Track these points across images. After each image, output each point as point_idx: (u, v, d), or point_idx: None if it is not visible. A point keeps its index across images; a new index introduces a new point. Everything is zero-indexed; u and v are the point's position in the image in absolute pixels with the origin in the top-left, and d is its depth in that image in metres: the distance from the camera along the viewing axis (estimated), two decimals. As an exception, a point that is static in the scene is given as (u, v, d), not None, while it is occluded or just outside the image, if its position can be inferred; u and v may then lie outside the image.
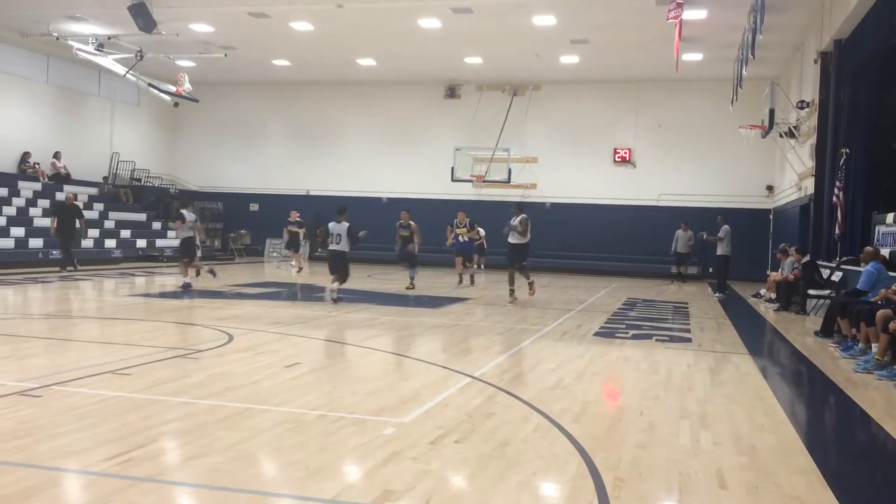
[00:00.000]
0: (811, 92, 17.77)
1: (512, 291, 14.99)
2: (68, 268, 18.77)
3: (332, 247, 13.82)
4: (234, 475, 4.25)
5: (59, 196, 23.60)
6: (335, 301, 13.38)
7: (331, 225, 13.79)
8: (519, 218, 14.98)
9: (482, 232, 21.32)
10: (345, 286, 14.12)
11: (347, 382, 7.15)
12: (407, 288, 16.63)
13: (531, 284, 15.20)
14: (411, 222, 16.72)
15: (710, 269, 21.60)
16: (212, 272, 16.98)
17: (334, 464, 4.54)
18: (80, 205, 21.28)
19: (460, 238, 18.59)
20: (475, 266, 21.36)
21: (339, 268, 13.83)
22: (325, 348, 9.02)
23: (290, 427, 5.29)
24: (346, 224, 13.66)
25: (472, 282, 18.52)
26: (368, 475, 4.33)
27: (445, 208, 26.51)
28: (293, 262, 22.19)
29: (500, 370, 7.67)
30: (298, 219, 22.48)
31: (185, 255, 15.69)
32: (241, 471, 4.33)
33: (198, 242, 16.25)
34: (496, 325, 11.39)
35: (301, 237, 22.57)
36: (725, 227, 18.33)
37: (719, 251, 18.46)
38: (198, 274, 16.80)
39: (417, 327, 10.75)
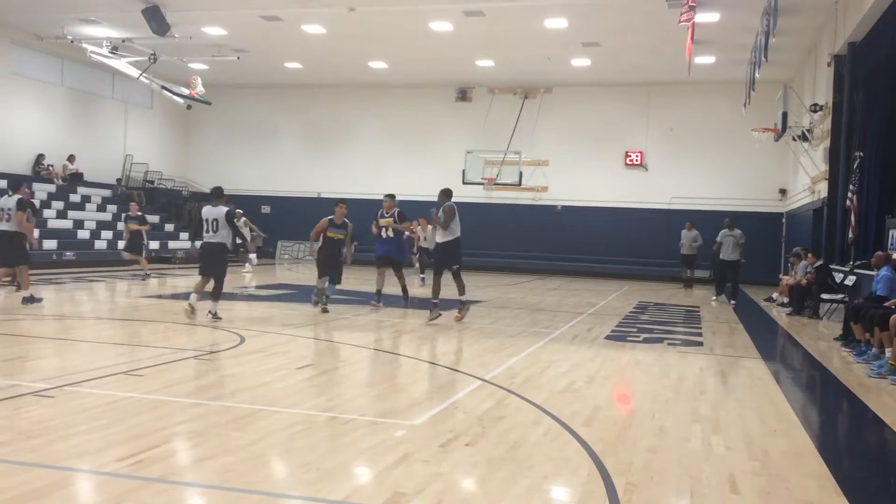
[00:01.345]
0: (825, 95, 17.68)
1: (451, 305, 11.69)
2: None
3: (207, 238, 10.77)
4: (245, 476, 4.26)
5: (75, 198, 23.79)
6: (215, 317, 10.52)
7: (204, 210, 10.82)
8: (443, 207, 11.56)
9: (421, 231, 17.61)
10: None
11: (358, 384, 7.16)
12: (322, 307, 12.15)
13: (463, 307, 11.67)
14: (346, 220, 12.46)
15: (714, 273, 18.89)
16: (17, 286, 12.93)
17: (345, 465, 4.54)
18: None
19: (383, 233, 13.40)
20: (421, 276, 18.03)
21: (214, 268, 10.75)
22: (336, 350, 9.04)
23: (300, 429, 5.30)
24: (224, 209, 10.65)
25: (406, 297, 13.72)
26: (379, 477, 4.33)
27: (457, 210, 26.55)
28: (142, 271, 17.72)
29: (510, 373, 7.66)
30: (139, 213, 18.65)
31: (5, 259, 11.79)
32: (252, 472, 4.35)
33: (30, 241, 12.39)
34: (507, 328, 11.37)
35: (144, 236, 18.49)
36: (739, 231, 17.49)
37: (737, 256, 17.24)
38: (18, 288, 12.84)
39: (428, 330, 10.74)
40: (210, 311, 10.59)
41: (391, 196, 13.74)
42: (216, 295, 10.70)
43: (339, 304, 13.08)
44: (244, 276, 19.88)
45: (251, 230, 22.41)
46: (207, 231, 10.71)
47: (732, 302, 17.03)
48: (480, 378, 7.28)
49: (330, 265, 12.30)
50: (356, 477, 4.42)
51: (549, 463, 4.70)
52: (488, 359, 8.56)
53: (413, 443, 5.01)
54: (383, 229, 13.40)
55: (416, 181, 27.56)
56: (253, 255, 22.27)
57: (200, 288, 10.77)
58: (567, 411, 6.03)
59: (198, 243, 12.40)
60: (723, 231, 17.47)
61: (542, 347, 9.53)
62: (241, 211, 22.06)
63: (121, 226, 24.06)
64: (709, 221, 22.56)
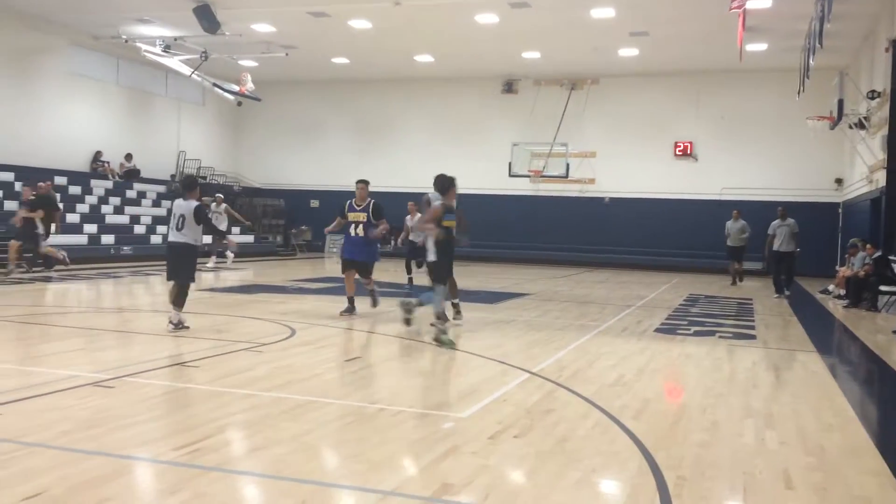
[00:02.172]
0: (882, 81, 17.15)
1: (455, 307, 10.56)
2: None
3: (171, 237, 9.07)
4: (298, 466, 4.35)
5: (131, 194, 24.41)
6: (177, 327, 8.85)
7: (175, 203, 9.11)
8: (426, 202, 10.17)
9: (409, 221, 15.23)
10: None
11: (406, 376, 7.22)
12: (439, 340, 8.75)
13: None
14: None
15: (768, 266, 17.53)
16: None
17: (394, 457, 4.60)
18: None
19: (352, 232, 10.91)
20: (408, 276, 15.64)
21: (181, 270, 9.05)
22: (385, 343, 9.12)
23: (350, 420, 5.37)
24: (194, 203, 8.94)
25: (374, 300, 11.18)
26: (427, 469, 4.37)
27: (503, 204, 26.55)
28: (12, 265, 15.54)
29: (559, 366, 7.64)
30: (33, 196, 16.10)
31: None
32: (304, 462, 4.43)
33: None
34: (555, 320, 11.33)
35: (39, 226, 16.01)
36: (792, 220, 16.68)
37: (793, 247, 16.40)
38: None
39: (475, 322, 10.76)
40: (171, 321, 8.88)
41: (365, 182, 11.00)
42: (179, 301, 8.94)
43: (389, 297, 13.14)
44: (212, 272, 18.41)
45: (232, 217, 20.44)
46: (173, 228, 9.00)
47: (786, 293, 16.42)
48: (528, 371, 7.28)
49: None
50: (405, 468, 4.46)
51: (599, 456, 4.69)
52: (536, 351, 8.55)
53: (461, 435, 5.05)
54: (353, 226, 10.83)
55: (462, 174, 27.29)
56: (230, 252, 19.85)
57: (175, 296, 9.05)
58: (616, 404, 6.00)
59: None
60: (775, 222, 16.59)
61: (590, 340, 9.48)
62: (222, 196, 21.16)
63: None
64: (761, 212, 22.05)
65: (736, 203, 23.70)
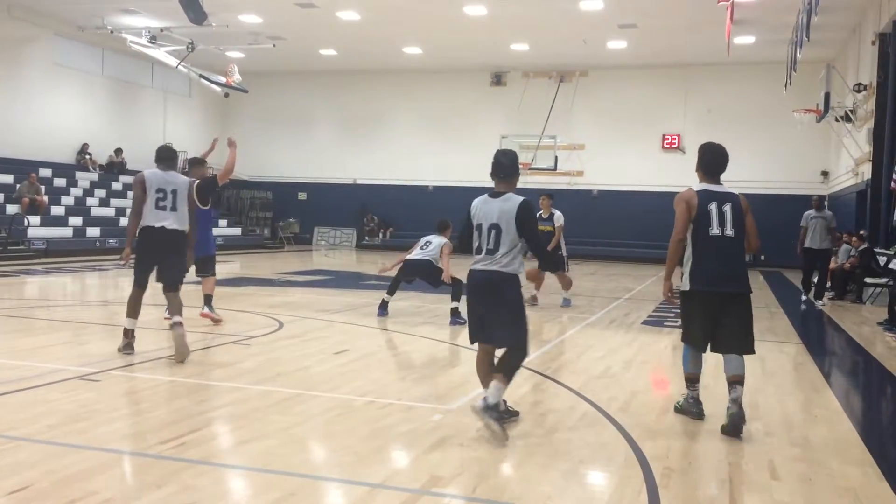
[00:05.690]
0: (868, 75, 17.26)
1: None
2: None
3: None
4: (286, 459, 4.34)
5: (116, 186, 24.23)
6: None
7: None
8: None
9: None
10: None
11: (395, 369, 7.21)
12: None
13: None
14: (555, 210, 11.54)
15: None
16: None
17: (383, 449, 4.59)
18: None
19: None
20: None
21: None
22: (373, 335, 9.11)
23: (339, 413, 5.36)
24: None
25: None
26: (416, 461, 4.37)
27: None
28: None
29: (546, 358, 7.65)
30: None
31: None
32: (292, 455, 4.42)
33: None
34: (542, 312, 11.35)
35: None
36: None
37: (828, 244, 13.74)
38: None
39: (463, 314, 10.73)
40: None
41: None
42: None
43: (378, 291, 13.12)
44: None
45: None
46: None
47: (821, 303, 13.64)
48: (516, 363, 7.27)
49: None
50: (393, 461, 4.47)
51: (586, 448, 4.71)
52: (524, 344, 8.53)
53: (450, 427, 5.05)
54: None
55: (450, 166, 27.56)
56: None
57: None
58: (604, 396, 6.02)
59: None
60: (809, 212, 13.60)
61: (578, 332, 9.51)
62: None
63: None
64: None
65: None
